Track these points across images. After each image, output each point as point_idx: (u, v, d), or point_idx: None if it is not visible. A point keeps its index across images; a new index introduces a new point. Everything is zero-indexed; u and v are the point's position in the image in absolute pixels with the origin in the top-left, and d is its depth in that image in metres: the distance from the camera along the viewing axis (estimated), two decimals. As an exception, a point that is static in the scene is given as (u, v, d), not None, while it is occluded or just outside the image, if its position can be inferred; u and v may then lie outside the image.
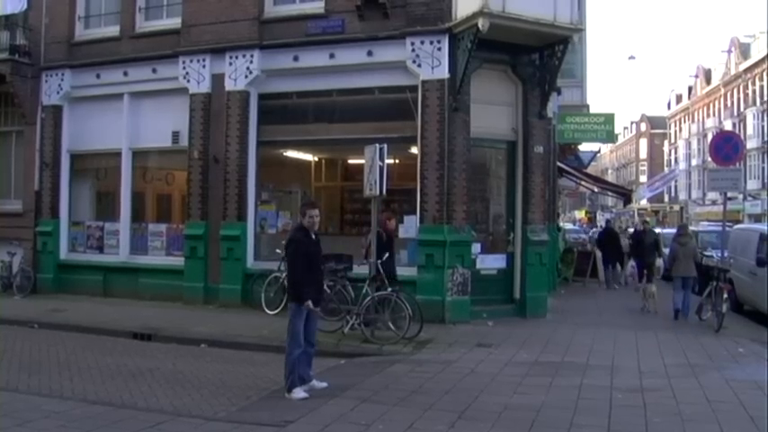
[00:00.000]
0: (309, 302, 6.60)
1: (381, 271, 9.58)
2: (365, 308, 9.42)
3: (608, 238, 18.79)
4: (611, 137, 17.66)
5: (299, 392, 6.52)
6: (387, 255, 10.04)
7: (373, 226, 10.03)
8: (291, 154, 13.95)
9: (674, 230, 16.03)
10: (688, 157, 58.88)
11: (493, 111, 11.75)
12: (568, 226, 37.12)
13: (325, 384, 6.86)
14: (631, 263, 17.59)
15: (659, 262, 15.96)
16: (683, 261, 12.02)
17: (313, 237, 6.81)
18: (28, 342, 9.48)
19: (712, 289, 11.10)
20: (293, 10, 12.53)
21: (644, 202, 60.38)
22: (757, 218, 40.38)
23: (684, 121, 62.25)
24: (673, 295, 12.28)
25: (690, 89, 60.81)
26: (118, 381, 7.38)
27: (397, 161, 12.40)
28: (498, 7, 10.23)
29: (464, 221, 11.15)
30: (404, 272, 11.09)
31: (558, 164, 18.23)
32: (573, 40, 11.27)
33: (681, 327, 11.22)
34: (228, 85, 12.70)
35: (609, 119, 16.50)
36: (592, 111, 18.17)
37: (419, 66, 11.27)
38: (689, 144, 59.54)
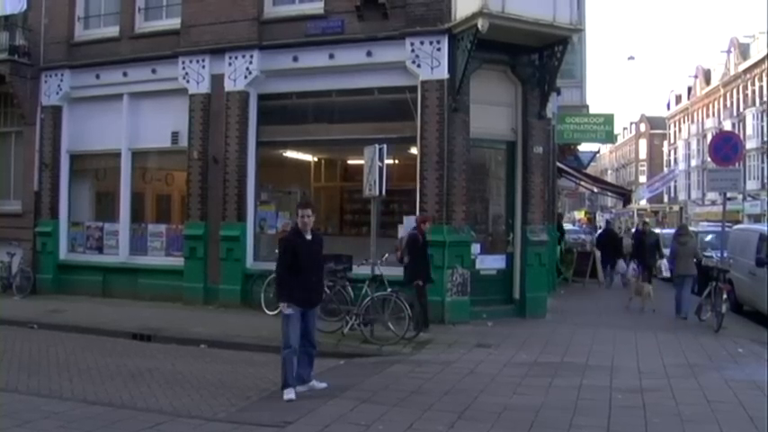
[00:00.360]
0: (284, 305, 6.57)
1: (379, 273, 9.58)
2: (365, 308, 9.42)
3: (608, 238, 18.93)
4: (610, 137, 17.66)
5: (287, 393, 6.49)
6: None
7: (373, 226, 10.05)
8: (291, 154, 13.95)
9: (673, 231, 16.06)
10: (687, 158, 58.90)
11: (492, 111, 11.76)
12: (568, 226, 37.03)
13: (324, 385, 6.86)
14: (633, 265, 17.61)
15: (661, 262, 15.98)
16: (684, 260, 12.23)
17: (308, 237, 6.72)
18: (27, 342, 9.48)
19: (712, 289, 11.11)
20: (293, 10, 12.54)
21: (643, 203, 60.37)
22: (757, 218, 40.37)
23: (684, 122, 62.28)
24: (675, 293, 12.49)
25: (689, 89, 60.81)
26: (117, 381, 7.37)
27: (396, 161, 12.40)
28: (498, 8, 10.24)
29: (463, 222, 11.16)
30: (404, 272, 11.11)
31: (558, 164, 18.23)
32: (572, 41, 11.28)
33: (680, 327, 11.23)
34: (228, 86, 12.71)
35: (608, 119, 16.51)
36: (591, 111, 18.16)
37: (419, 66, 11.28)
38: (688, 144, 59.57)
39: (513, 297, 11.85)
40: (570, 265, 18.61)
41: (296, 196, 13.46)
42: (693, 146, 57.96)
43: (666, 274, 15.03)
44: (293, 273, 6.58)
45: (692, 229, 18.73)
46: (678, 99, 65.89)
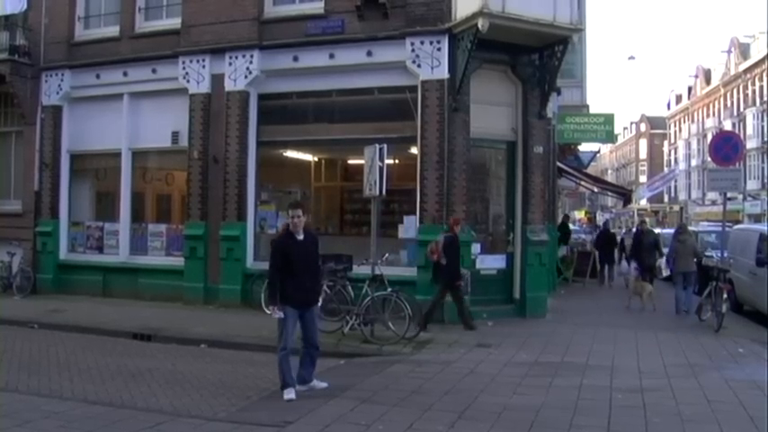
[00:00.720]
0: (272, 308, 6.56)
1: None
2: (365, 308, 9.42)
3: (605, 238, 19.02)
4: (610, 137, 17.67)
5: (287, 393, 6.48)
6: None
7: (373, 226, 10.05)
8: (291, 154, 13.95)
9: (673, 231, 16.07)
10: (688, 158, 58.91)
11: (493, 111, 11.76)
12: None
13: (324, 384, 6.86)
14: (634, 265, 17.63)
15: (660, 262, 15.97)
16: (683, 258, 12.43)
17: (300, 237, 6.68)
18: (28, 342, 9.48)
19: (712, 289, 11.11)
20: (293, 10, 12.54)
21: (644, 203, 60.37)
22: (757, 218, 40.36)
23: (684, 122, 62.26)
24: (675, 291, 12.61)
25: (689, 89, 60.81)
26: (118, 381, 7.37)
27: (396, 161, 12.39)
28: (498, 7, 10.24)
29: (464, 222, 11.15)
30: (404, 272, 11.11)
31: (558, 164, 18.23)
32: (572, 41, 11.27)
33: (681, 327, 11.23)
34: (228, 86, 12.71)
35: (608, 119, 16.51)
36: (591, 111, 18.17)
37: (419, 66, 11.28)
38: (689, 144, 59.57)
39: (513, 297, 11.85)
40: (570, 265, 18.63)
41: (296, 196, 13.47)
42: (694, 146, 57.96)
43: (666, 273, 15.03)
44: (287, 274, 6.53)
45: (692, 228, 18.78)
46: (678, 99, 65.87)
